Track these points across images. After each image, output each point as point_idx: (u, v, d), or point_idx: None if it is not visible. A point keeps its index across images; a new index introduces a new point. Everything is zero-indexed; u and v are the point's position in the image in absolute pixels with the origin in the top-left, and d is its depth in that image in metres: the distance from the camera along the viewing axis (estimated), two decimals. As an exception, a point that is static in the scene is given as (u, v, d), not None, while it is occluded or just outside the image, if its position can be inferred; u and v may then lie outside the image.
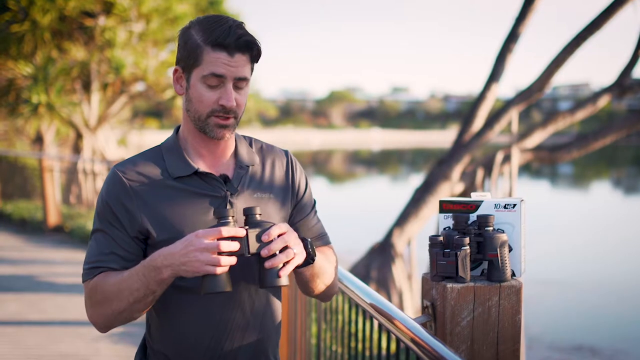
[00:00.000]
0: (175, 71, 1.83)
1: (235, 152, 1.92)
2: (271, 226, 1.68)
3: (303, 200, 2.00)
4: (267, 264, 1.65)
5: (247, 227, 1.66)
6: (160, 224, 1.77)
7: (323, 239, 2.03)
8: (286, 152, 2.02)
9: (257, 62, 1.82)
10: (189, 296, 1.81)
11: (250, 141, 1.98)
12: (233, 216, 1.67)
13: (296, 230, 1.96)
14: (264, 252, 1.65)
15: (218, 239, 1.61)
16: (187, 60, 1.77)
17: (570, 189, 32.32)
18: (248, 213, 1.69)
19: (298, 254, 1.70)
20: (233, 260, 1.62)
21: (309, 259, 1.79)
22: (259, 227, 1.67)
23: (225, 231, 1.60)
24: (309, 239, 1.80)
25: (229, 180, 1.85)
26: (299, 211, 1.99)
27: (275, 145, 2.06)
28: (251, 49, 1.76)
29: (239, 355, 1.86)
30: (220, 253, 1.60)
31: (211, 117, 1.77)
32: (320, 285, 1.92)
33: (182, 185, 1.81)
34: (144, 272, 1.67)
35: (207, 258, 1.59)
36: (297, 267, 1.80)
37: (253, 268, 1.84)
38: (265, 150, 1.99)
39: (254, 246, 1.65)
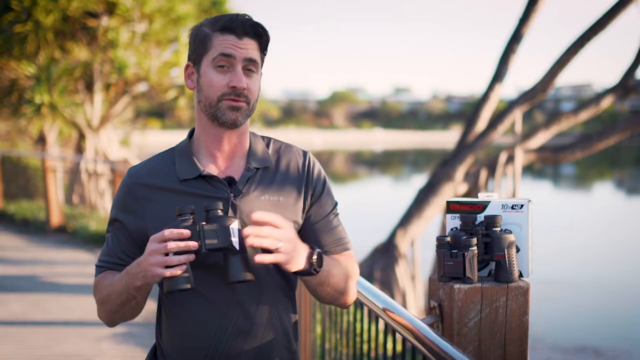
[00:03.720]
0: (187, 67, 1.85)
1: (248, 153, 1.89)
2: (232, 221, 1.66)
3: (320, 202, 1.93)
4: (233, 258, 1.66)
5: (203, 223, 1.65)
6: (161, 228, 1.72)
7: (342, 244, 1.95)
8: (305, 153, 1.96)
9: (265, 51, 1.83)
10: (192, 297, 1.80)
11: (268, 142, 1.95)
12: (193, 213, 1.66)
13: (315, 232, 1.91)
14: (249, 241, 1.62)
15: (165, 240, 1.61)
16: (197, 51, 1.80)
17: (573, 189, 32.31)
18: (209, 209, 1.68)
19: (283, 251, 1.66)
20: (183, 258, 1.61)
21: (310, 270, 1.74)
22: (218, 222, 1.65)
23: (168, 233, 1.61)
24: (318, 250, 1.76)
25: (235, 182, 1.83)
26: (315, 213, 1.92)
27: (296, 146, 2.00)
28: (259, 35, 1.78)
29: (240, 358, 1.83)
30: (175, 253, 1.62)
31: (222, 101, 1.77)
32: (328, 293, 1.86)
33: (187, 188, 1.82)
34: (125, 279, 1.73)
35: (157, 260, 1.61)
36: (299, 274, 1.76)
37: (257, 271, 1.82)
38: (282, 151, 1.94)
39: (211, 242, 1.63)
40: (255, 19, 1.81)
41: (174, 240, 1.61)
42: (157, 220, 1.79)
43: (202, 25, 1.82)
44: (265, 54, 1.84)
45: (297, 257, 1.69)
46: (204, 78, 1.79)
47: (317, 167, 1.96)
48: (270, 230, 1.64)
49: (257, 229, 1.63)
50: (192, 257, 1.63)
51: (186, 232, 1.62)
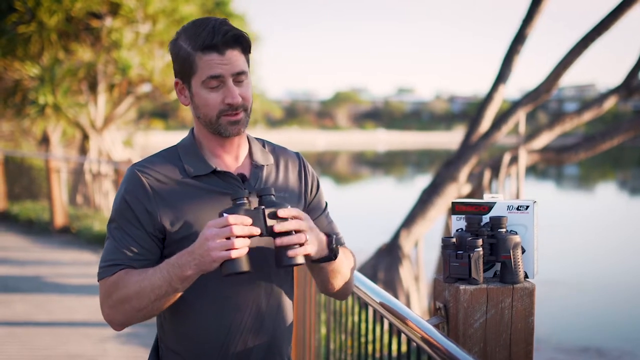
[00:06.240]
0: (177, 84, 1.86)
1: (250, 153, 1.94)
2: (287, 206, 1.69)
3: (314, 202, 2.03)
4: (279, 242, 1.66)
5: (262, 207, 1.67)
6: (178, 222, 1.79)
7: (339, 238, 2.03)
8: (298, 154, 2.05)
9: (249, 52, 1.84)
10: (203, 295, 1.82)
11: (263, 143, 2.01)
12: (248, 197, 1.69)
13: None
14: (277, 228, 1.66)
15: (228, 225, 1.61)
16: (183, 71, 1.80)
17: (576, 190, 32.26)
18: (263, 194, 1.71)
19: (310, 242, 1.71)
20: (247, 242, 1.63)
21: (331, 255, 1.81)
22: (274, 206, 1.68)
23: (232, 219, 1.61)
24: (334, 235, 1.83)
25: (247, 179, 1.87)
26: (314, 209, 2.02)
27: (287, 147, 2.08)
28: (240, 42, 1.78)
29: (252, 354, 1.87)
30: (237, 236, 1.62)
31: (221, 118, 1.80)
32: (339, 282, 1.94)
33: (201, 184, 1.83)
34: (167, 269, 1.68)
35: (218, 244, 1.60)
36: (317, 261, 1.81)
37: (266, 267, 1.86)
38: (277, 151, 2.02)
39: (270, 224, 1.66)
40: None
41: (238, 224, 1.61)
42: (171, 213, 1.79)
43: (180, 40, 1.79)
44: (249, 53, 1.85)
45: (320, 244, 1.76)
46: (198, 98, 1.80)
47: (310, 168, 2.06)
48: (300, 223, 1.69)
49: (290, 224, 1.67)
50: (249, 241, 1.64)
51: (248, 220, 1.63)
